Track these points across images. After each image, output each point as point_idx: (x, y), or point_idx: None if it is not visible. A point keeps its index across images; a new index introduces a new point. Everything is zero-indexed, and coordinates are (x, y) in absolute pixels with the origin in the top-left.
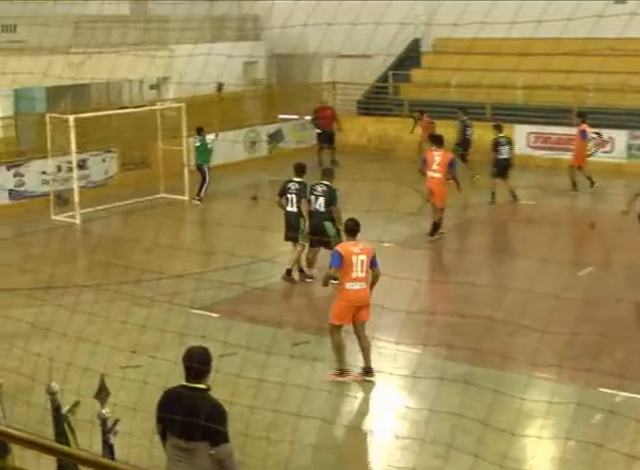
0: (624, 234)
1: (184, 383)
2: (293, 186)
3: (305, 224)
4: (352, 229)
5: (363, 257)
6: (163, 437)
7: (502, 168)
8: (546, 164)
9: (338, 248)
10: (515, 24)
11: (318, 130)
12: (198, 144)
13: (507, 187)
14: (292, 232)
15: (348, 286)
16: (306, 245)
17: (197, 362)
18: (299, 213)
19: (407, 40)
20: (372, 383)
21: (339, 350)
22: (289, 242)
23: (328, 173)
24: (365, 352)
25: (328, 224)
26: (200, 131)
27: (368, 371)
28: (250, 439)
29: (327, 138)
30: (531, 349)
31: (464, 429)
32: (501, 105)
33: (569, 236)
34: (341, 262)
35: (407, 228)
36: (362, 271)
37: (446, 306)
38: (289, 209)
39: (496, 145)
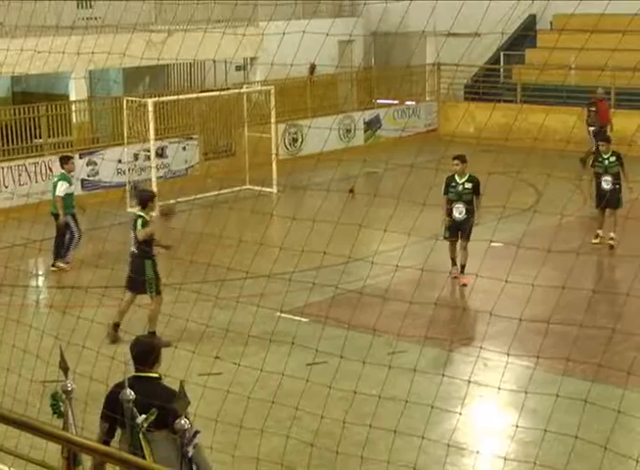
0: None
1: (135, 373)
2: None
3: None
4: None
5: None
6: (110, 434)
7: None
8: None
9: None
10: None
11: (592, 127)
12: (58, 180)
13: None
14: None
15: None
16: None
17: (143, 349)
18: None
19: (522, 17)
20: (478, 399)
21: None
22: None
23: (140, 198)
24: None
25: (148, 263)
26: (66, 160)
27: None
28: (341, 456)
29: (603, 135)
30: None
31: (580, 453)
32: (628, 90)
33: None
34: None
35: (520, 226)
36: None
37: (562, 315)
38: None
39: None
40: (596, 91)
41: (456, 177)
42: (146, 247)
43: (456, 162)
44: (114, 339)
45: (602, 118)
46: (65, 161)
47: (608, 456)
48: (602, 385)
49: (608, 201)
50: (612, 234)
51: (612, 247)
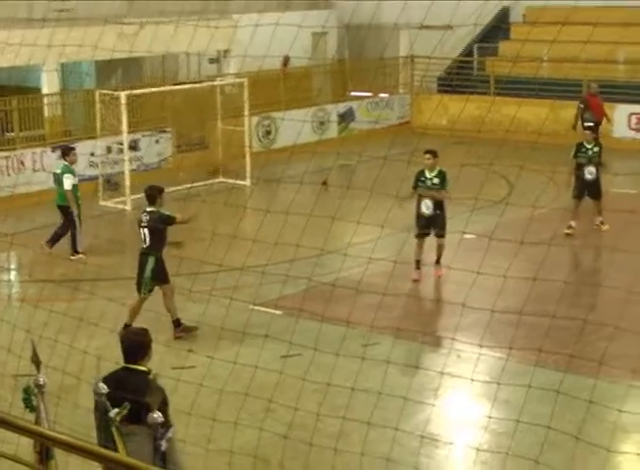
0: None
1: (124, 365)
2: (144, 218)
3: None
4: None
5: None
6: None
7: None
8: None
9: None
10: None
11: (589, 123)
12: (63, 173)
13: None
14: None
15: None
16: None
17: (133, 343)
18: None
19: (495, 9)
20: (451, 391)
21: None
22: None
23: (151, 195)
24: None
25: (151, 260)
26: (68, 152)
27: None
28: (315, 448)
29: (597, 131)
30: (631, 355)
31: (553, 443)
32: (600, 82)
33: None
34: None
35: (492, 218)
36: None
37: (534, 306)
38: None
39: None
40: (590, 86)
41: (426, 172)
42: (157, 245)
43: (428, 156)
44: (190, 330)
45: (596, 114)
46: (66, 152)
47: (580, 446)
48: (574, 375)
49: (590, 191)
50: (600, 218)
51: (604, 230)
